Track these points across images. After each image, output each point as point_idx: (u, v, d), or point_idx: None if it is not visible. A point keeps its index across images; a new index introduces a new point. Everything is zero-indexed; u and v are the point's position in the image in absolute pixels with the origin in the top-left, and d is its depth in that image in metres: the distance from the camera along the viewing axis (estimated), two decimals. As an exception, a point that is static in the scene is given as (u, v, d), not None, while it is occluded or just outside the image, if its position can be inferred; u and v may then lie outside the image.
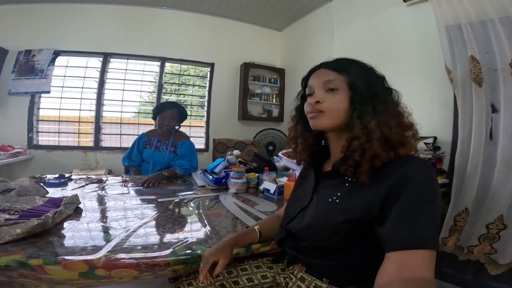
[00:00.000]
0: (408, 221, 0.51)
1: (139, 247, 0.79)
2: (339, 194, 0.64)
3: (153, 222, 1.01)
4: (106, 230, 0.92)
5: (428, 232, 0.50)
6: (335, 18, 2.82)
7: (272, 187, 1.46)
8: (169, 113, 1.97)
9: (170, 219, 1.05)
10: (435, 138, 1.78)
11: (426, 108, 1.94)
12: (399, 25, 2.13)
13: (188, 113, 3.58)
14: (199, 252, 0.78)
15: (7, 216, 0.85)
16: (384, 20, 2.27)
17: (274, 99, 3.84)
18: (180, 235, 0.91)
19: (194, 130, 3.66)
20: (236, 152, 1.84)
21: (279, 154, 2.21)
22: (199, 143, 3.58)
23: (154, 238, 0.88)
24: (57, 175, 1.69)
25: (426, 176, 0.55)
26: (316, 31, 3.13)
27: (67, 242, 0.81)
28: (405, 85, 1.97)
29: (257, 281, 0.81)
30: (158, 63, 3.41)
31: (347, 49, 2.65)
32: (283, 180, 1.51)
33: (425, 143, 1.76)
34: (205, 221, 1.05)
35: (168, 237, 0.89)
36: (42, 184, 1.36)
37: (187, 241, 0.85)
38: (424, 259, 0.48)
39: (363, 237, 0.59)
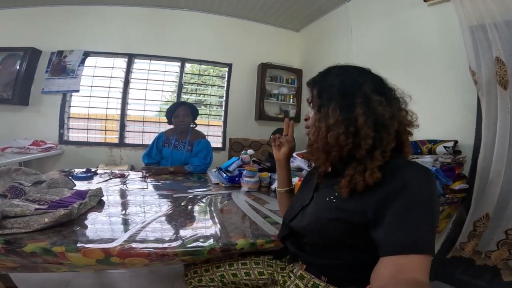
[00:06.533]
0: (405, 226, 0.51)
1: (151, 238, 0.85)
2: (336, 194, 0.65)
3: (167, 216, 1.08)
4: (123, 221, 1.00)
5: (424, 237, 0.51)
6: (354, 18, 2.77)
7: (283, 187, 1.49)
8: (181, 110, 2.08)
9: (182, 214, 1.11)
10: (456, 142, 1.71)
11: (447, 111, 1.87)
12: (420, 26, 2.06)
13: (207, 112, 3.72)
14: (205, 245, 0.83)
15: (37, 206, 0.94)
16: (404, 21, 2.20)
17: (291, 100, 3.84)
18: (190, 229, 0.96)
19: (212, 129, 3.75)
20: (250, 151, 1.88)
21: (294, 154, 2.22)
22: (216, 142, 3.67)
23: (166, 231, 0.93)
24: (84, 169, 1.82)
25: (422, 183, 0.55)
26: (334, 32, 3.10)
27: (88, 232, 0.88)
28: (426, 88, 1.95)
29: (254, 276, 0.86)
30: (179, 64, 3.53)
31: (365, 50, 2.61)
32: (295, 180, 1.53)
33: (445, 147, 1.70)
34: (215, 217, 1.09)
35: (179, 230, 0.94)
36: (70, 177, 1.47)
37: (196, 234, 0.90)
38: (420, 263, 0.48)
39: (361, 239, 0.60)
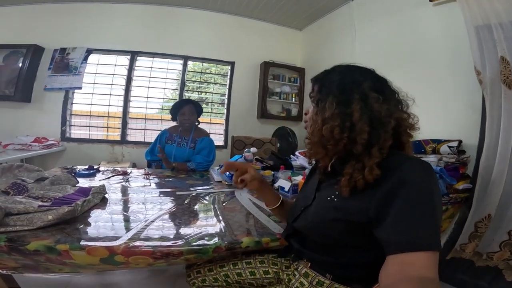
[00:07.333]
0: (408, 223, 0.51)
1: (156, 237, 0.84)
2: (337, 193, 0.65)
3: (171, 214, 1.07)
4: (127, 219, 0.99)
5: (429, 233, 0.50)
6: (357, 17, 2.76)
7: (286, 185, 1.49)
8: (187, 108, 2.09)
9: (186, 212, 1.11)
10: (460, 142, 1.71)
11: (452, 111, 1.87)
12: (425, 25, 2.05)
13: (209, 110, 3.72)
14: (211, 243, 0.82)
15: (40, 203, 0.93)
16: (409, 20, 2.19)
17: (293, 98, 3.84)
18: (195, 227, 0.96)
19: (214, 127, 3.76)
20: (253, 149, 1.87)
21: (296, 153, 2.21)
22: (218, 140, 3.67)
23: (170, 229, 0.93)
24: (86, 167, 1.81)
25: (422, 178, 0.55)
26: (337, 31, 3.09)
27: (92, 230, 0.87)
28: (431, 87, 1.94)
29: (259, 275, 0.85)
30: (181, 62, 3.53)
31: (369, 49, 2.60)
32: (298, 178, 1.53)
33: (449, 147, 1.70)
34: (219, 215, 1.09)
35: (183, 229, 0.93)
36: (73, 174, 1.47)
37: (201, 233, 0.89)
38: (427, 260, 0.48)
39: (363, 237, 0.59)
